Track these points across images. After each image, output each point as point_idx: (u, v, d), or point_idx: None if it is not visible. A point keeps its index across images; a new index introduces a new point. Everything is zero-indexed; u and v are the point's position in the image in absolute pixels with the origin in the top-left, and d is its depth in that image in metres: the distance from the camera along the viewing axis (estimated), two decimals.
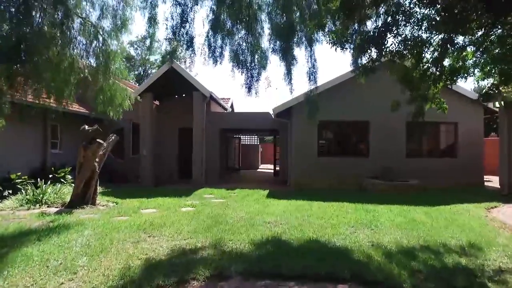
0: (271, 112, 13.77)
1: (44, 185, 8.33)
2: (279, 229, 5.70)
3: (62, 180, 9.91)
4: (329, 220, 6.39)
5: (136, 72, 31.12)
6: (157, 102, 14.17)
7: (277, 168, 15.89)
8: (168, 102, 13.98)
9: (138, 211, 7.21)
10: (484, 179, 11.89)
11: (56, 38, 6.56)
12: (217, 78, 57.38)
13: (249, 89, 6.29)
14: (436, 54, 5.44)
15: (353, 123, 11.72)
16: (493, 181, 12.59)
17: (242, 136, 23.32)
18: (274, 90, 55.86)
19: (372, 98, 11.42)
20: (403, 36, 5.16)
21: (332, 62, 68.02)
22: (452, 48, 5.33)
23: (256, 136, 24.04)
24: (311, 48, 6.16)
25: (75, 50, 7.09)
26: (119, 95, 7.96)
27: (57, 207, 7.43)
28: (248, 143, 24.09)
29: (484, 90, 6.92)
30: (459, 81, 6.07)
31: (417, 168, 11.15)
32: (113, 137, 8.38)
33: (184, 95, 13.55)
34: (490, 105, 11.12)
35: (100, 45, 7.25)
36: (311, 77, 6.41)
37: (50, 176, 9.76)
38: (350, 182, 11.15)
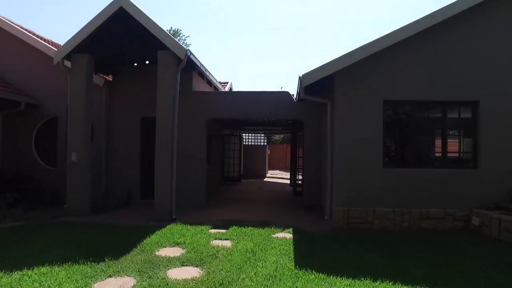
0: (293, 93, 8.49)
1: None
2: None
3: None
4: None
5: None
6: (110, 78, 8.96)
7: (296, 178, 10.54)
8: (126, 76, 8.77)
9: None
10: None
11: None
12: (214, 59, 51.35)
13: None
14: None
15: (449, 106, 6.39)
16: None
17: (244, 134, 18.00)
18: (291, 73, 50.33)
19: (486, 61, 6.13)
20: None
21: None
22: None
23: (263, 135, 18.72)
24: None
25: None
26: None
27: None
28: (253, 143, 18.80)
29: None
30: None
31: None
32: None
33: (148, 62, 8.34)
34: None
35: None
36: None
37: None
38: (445, 216, 5.89)
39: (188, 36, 40.59)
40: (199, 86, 9.11)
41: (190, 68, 8.24)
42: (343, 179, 6.16)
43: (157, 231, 5.75)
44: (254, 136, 18.76)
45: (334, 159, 6.34)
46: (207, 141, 10.62)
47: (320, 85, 6.77)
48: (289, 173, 19.77)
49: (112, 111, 8.78)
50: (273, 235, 5.76)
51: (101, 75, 8.65)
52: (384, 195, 6.09)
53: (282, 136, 24.30)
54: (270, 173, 19.21)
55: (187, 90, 8.46)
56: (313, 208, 8.20)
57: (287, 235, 5.80)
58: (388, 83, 6.16)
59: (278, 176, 17.57)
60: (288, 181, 15.09)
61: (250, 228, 6.09)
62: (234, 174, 14.61)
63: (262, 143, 18.93)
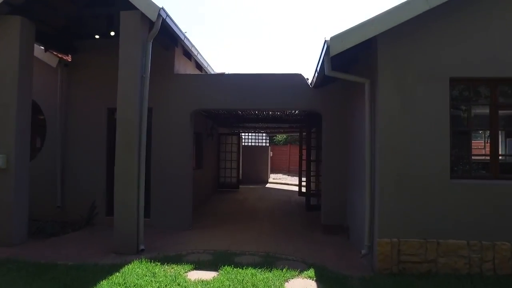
0: (307, 78, 6.47)
1: None
2: None
3: None
4: None
5: None
6: (68, 58, 6.87)
7: (310, 186, 8.46)
8: (88, 55, 6.70)
9: None
10: None
11: None
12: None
13: None
14: None
15: None
16: None
17: (243, 134, 15.95)
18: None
19: None
20: None
21: None
22: None
23: (265, 134, 16.62)
24: None
25: None
26: None
27: None
28: (253, 144, 16.72)
29: None
30: None
31: None
32: None
33: (114, 33, 6.27)
34: None
35: None
36: None
37: None
38: None
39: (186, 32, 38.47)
40: (185, 70, 7.04)
41: (171, 42, 6.19)
42: (391, 196, 4.09)
43: (104, 280, 3.66)
44: (255, 135, 16.68)
45: (375, 165, 4.28)
46: (195, 140, 8.57)
47: (348, 59, 4.74)
48: (294, 177, 17.71)
49: (71, 101, 6.72)
50: (286, 284, 3.70)
51: (56, 53, 6.57)
52: (453, 220, 4.01)
53: (285, 136, 22.21)
54: (272, 177, 17.13)
55: (168, 73, 6.41)
56: (335, 230, 6.12)
57: (308, 283, 3.73)
58: (460, 51, 4.10)
59: (282, 182, 15.49)
60: (295, 188, 12.99)
61: (250, 269, 4.02)
62: (232, 179, 12.53)
63: (263, 144, 16.83)
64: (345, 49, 4.04)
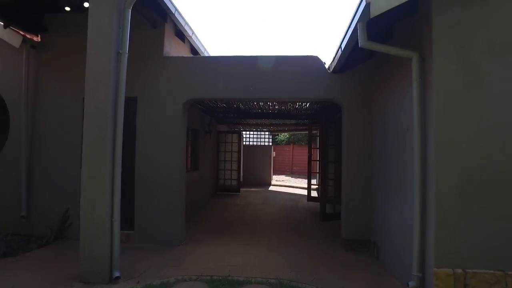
0: (326, 62, 5.38)
1: None
2: None
3: None
4: None
5: None
6: (37, 39, 5.73)
7: (326, 192, 7.33)
8: (60, 35, 5.56)
9: None
10: None
11: None
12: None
13: None
14: None
15: None
16: None
17: (244, 132, 14.86)
18: None
19: None
20: None
21: None
22: None
23: (267, 132, 15.50)
24: None
25: None
26: None
27: None
28: (255, 143, 15.62)
29: None
30: None
31: None
32: None
33: (87, 4, 5.17)
34: None
35: None
36: None
37: None
38: None
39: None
40: (177, 54, 5.92)
41: (160, 17, 5.08)
42: (452, 209, 2.98)
43: None
44: (257, 134, 15.57)
45: (426, 168, 3.16)
46: (191, 138, 7.46)
47: (379, 35, 3.68)
48: (298, 179, 16.59)
49: (39, 89, 5.59)
50: None
51: (19, 31, 5.44)
52: None
53: (288, 135, 21.09)
54: (275, 179, 16.01)
55: (156, 56, 5.30)
56: (359, 246, 5.01)
57: None
58: None
59: (287, 184, 14.37)
60: (302, 192, 11.90)
61: None
62: (232, 182, 11.40)
63: (266, 143, 15.71)
64: (391, 7, 2.93)
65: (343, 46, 4.13)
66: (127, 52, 3.84)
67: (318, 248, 5.13)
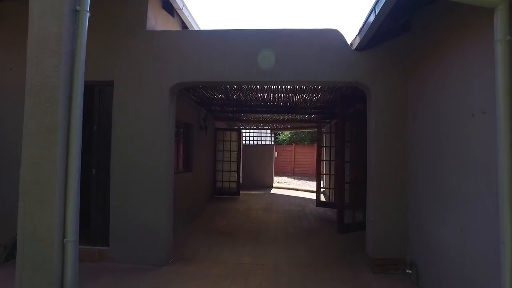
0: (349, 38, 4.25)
1: None
2: None
3: None
4: None
5: None
6: None
7: (343, 197, 6.27)
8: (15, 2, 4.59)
9: None
10: None
11: None
12: None
13: None
14: None
15: None
16: None
17: (244, 130, 13.84)
18: None
19: None
20: None
21: None
22: None
23: (269, 131, 14.44)
24: None
25: None
26: None
27: None
28: (255, 142, 14.59)
29: None
30: None
31: None
32: None
33: None
34: None
35: None
36: None
37: None
38: None
39: None
40: (165, 28, 4.87)
41: None
42: None
43: None
44: (258, 133, 14.53)
45: None
46: (184, 134, 6.43)
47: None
48: (301, 181, 15.55)
49: None
50: None
51: None
52: None
53: (289, 134, 20.05)
54: (276, 181, 14.97)
55: (137, 29, 4.27)
56: (391, 267, 3.97)
57: None
58: None
59: (290, 187, 13.32)
60: (307, 195, 10.87)
61: None
62: (231, 184, 10.35)
63: (268, 142, 14.67)
64: None
65: (378, 7, 3.10)
66: (87, 9, 2.79)
67: (339, 269, 4.09)
